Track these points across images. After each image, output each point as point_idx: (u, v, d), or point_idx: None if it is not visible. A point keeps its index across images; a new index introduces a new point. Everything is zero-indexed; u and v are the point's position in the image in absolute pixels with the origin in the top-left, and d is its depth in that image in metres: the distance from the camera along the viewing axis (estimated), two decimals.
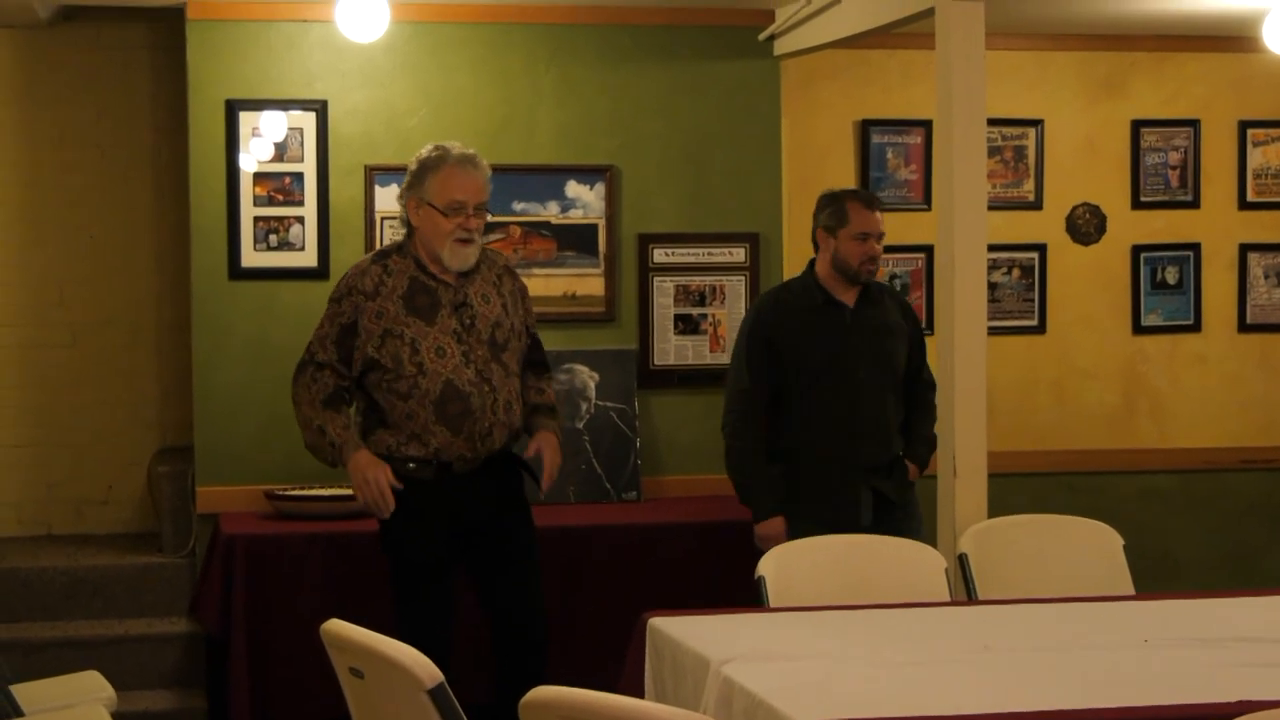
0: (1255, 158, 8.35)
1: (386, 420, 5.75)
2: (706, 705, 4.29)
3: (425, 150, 5.82)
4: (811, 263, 6.53)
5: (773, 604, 5.22)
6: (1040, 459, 8.17)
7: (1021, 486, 7.85)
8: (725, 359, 7.51)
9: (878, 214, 6.46)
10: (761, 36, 7.56)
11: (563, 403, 7.25)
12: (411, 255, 5.79)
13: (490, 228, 7.26)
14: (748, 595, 5.35)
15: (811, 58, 7.74)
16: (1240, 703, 3.77)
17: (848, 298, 6.47)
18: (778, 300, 6.50)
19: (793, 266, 7.73)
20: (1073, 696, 4.04)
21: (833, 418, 6.39)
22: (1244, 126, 8.32)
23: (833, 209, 6.44)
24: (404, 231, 5.87)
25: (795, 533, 6.08)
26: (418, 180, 5.78)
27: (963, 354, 6.09)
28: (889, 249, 7.88)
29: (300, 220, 7.32)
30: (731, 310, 7.52)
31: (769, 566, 5.33)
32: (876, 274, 6.53)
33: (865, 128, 7.98)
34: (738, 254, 7.53)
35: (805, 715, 3.81)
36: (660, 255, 7.50)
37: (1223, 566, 8.10)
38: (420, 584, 5.77)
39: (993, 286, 8.07)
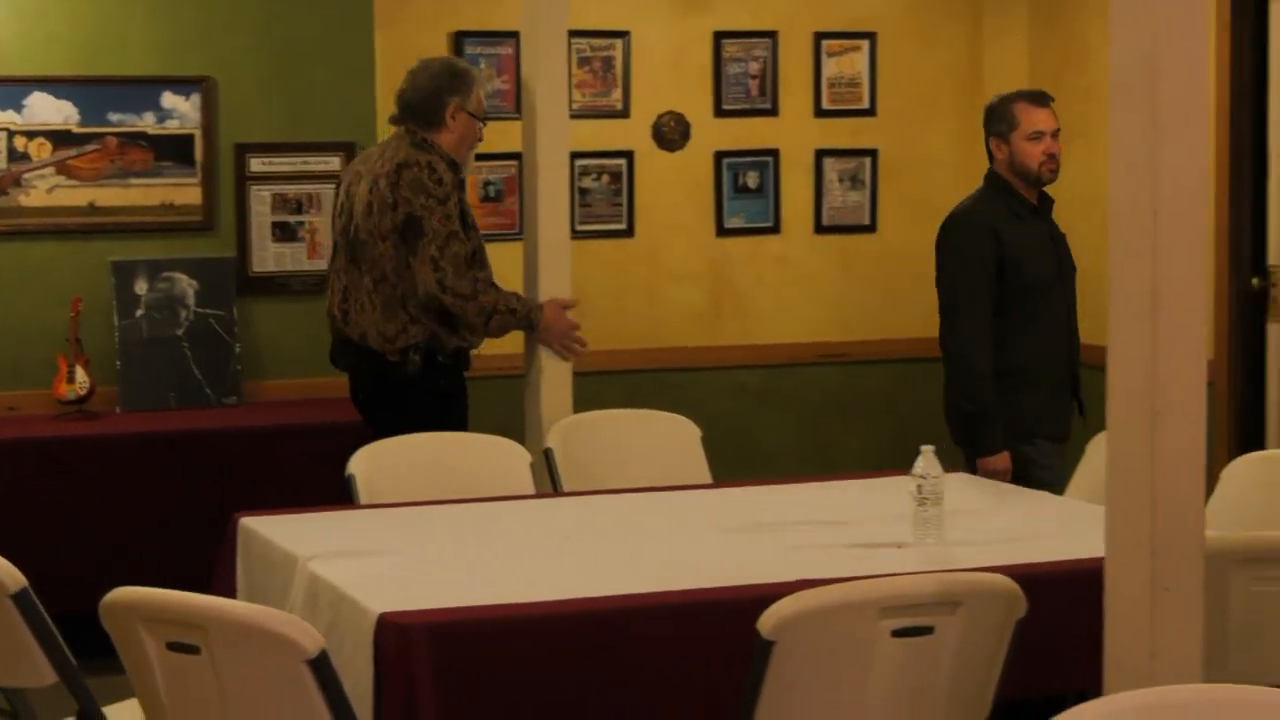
0: (830, 68, 8.50)
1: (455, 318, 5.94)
2: (294, 601, 4.28)
3: (450, 59, 6.29)
4: (988, 177, 6.17)
5: (363, 502, 5.21)
6: (632, 357, 8.25)
7: (614, 383, 7.93)
8: (323, 265, 7.44)
9: (1050, 110, 6.09)
10: None
11: (162, 310, 7.14)
12: (444, 155, 5.99)
13: (85, 139, 7.13)
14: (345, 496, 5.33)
15: None
16: (800, 581, 3.87)
17: (1036, 203, 6.14)
18: (988, 214, 6.07)
19: None
20: (646, 581, 4.12)
21: (1055, 333, 6.08)
22: (819, 38, 8.46)
23: (1000, 113, 6.11)
24: (409, 135, 6.05)
25: (1024, 456, 5.96)
26: (462, 86, 6.04)
27: (547, 257, 6.13)
28: (482, 156, 7.90)
29: None
30: (328, 218, 7.44)
31: (359, 465, 5.32)
32: (1056, 173, 6.11)
33: (459, 39, 7.94)
34: (334, 163, 7.44)
35: (386, 606, 3.83)
36: (257, 165, 7.38)
37: (803, 456, 8.29)
38: None
39: (583, 192, 8.11)
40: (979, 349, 5.95)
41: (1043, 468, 5.97)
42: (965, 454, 6.03)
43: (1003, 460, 5.89)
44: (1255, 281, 7.08)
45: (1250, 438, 7.21)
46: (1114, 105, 3.33)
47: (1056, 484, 5.85)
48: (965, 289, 6.00)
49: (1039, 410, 6.04)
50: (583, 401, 6.28)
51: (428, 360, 5.99)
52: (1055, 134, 6.05)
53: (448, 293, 5.85)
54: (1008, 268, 5.98)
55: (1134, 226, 3.27)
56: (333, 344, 6.27)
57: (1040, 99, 6.11)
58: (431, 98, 6.06)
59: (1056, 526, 4.79)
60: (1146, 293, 3.25)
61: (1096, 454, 5.15)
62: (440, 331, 5.97)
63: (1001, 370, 5.96)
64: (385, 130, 7.61)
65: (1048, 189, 6.17)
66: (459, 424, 6.00)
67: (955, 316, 6.03)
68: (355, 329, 6.06)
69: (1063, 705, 2.77)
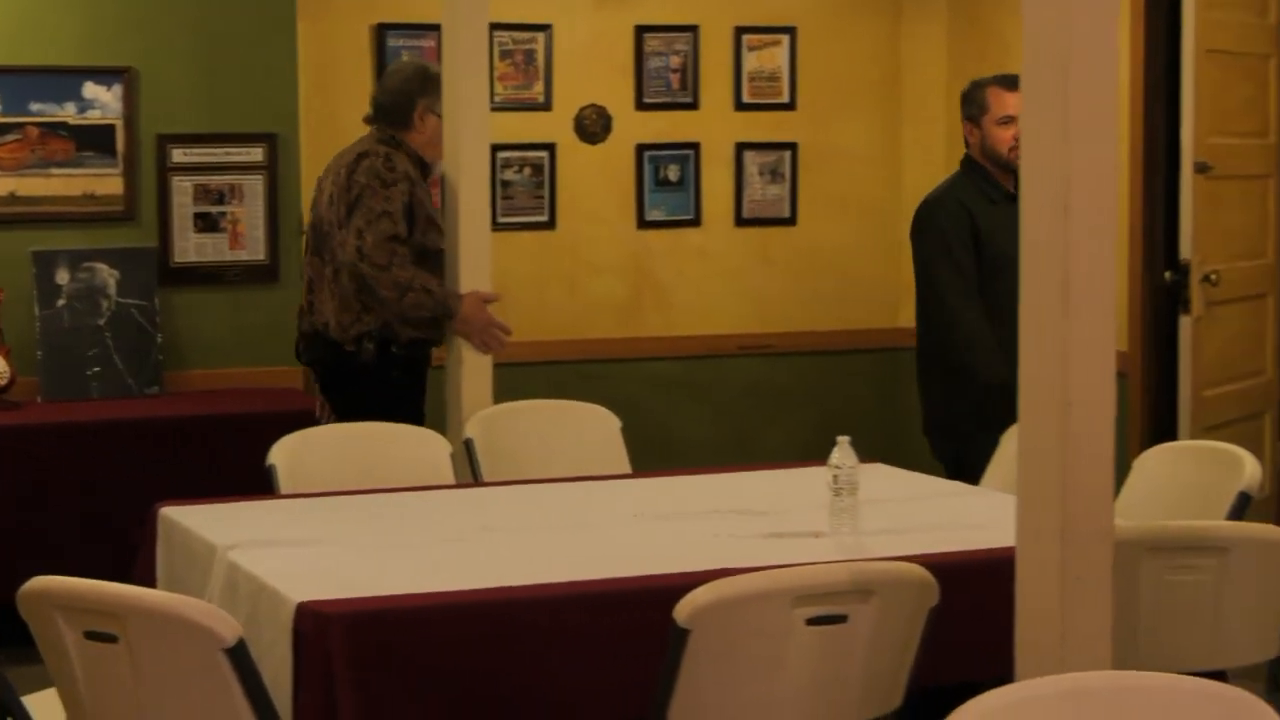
0: (750, 61, 8.52)
1: None
2: (213, 591, 4.26)
3: (420, 62, 6.47)
4: (964, 162, 6.21)
5: (283, 491, 5.19)
6: (554, 348, 8.25)
7: (535, 374, 7.93)
8: (245, 256, 7.42)
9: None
10: None
11: (83, 300, 7.09)
12: (411, 152, 6.18)
13: (5, 129, 7.08)
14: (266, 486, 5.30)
15: None
16: (716, 570, 3.88)
17: (1012, 189, 6.01)
18: (961, 198, 6.12)
19: (309, 166, 7.66)
20: (564, 570, 4.11)
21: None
22: (740, 32, 8.48)
23: (972, 97, 6.13)
24: (379, 132, 6.21)
25: (981, 449, 5.66)
26: (432, 89, 6.17)
27: (468, 249, 6.11)
28: None
29: None
30: (250, 209, 7.41)
31: (280, 455, 5.30)
32: None
33: (381, 31, 7.92)
34: (255, 154, 7.41)
35: (304, 595, 3.81)
36: (179, 155, 7.34)
37: (723, 446, 8.31)
38: None
39: (505, 184, 8.10)
40: (974, 318, 5.97)
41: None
42: (937, 451, 6.05)
43: None
44: (1168, 276, 7.13)
45: (1162, 429, 7.27)
46: (1026, 101, 3.35)
47: None
48: (952, 270, 6.01)
49: (1010, 400, 6.01)
50: (503, 392, 6.27)
51: (382, 350, 6.07)
52: None
53: (365, 261, 5.94)
54: (980, 251, 6.00)
55: (1045, 220, 3.29)
56: (296, 339, 6.36)
57: (1012, 83, 6.05)
58: (401, 100, 6.23)
59: (970, 516, 4.81)
60: (1057, 285, 3.27)
61: (1011, 445, 5.18)
62: (394, 320, 6.02)
63: None
64: (307, 121, 7.62)
65: None
66: (413, 416, 6.05)
67: (946, 299, 6.01)
68: (320, 318, 6.19)
69: (976, 692, 2.78)
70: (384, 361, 6.11)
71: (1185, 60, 6.71)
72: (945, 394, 6.23)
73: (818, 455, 4.86)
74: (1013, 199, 5.95)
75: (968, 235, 6.01)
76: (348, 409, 6.06)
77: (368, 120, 6.35)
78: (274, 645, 3.81)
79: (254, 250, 7.45)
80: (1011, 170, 5.98)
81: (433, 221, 6.13)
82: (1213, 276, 6.77)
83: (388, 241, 5.96)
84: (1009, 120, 6.02)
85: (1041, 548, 3.37)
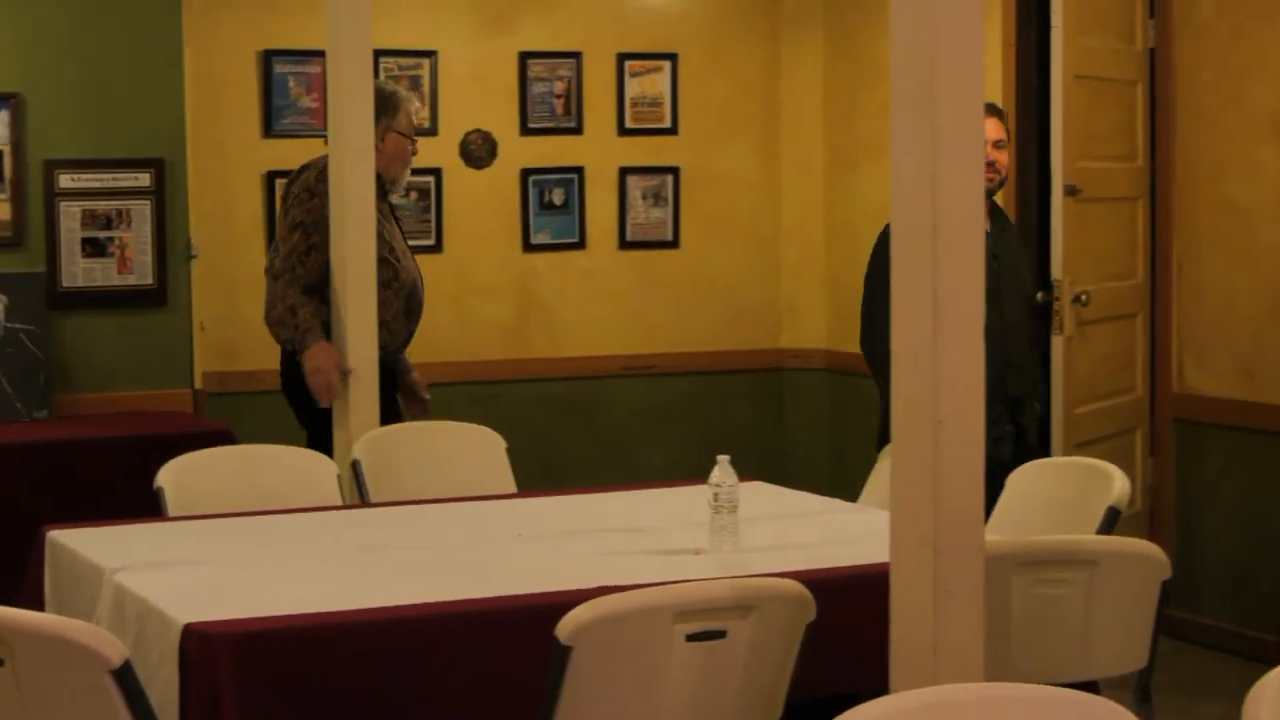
0: (633, 87, 8.55)
1: None
2: (101, 613, 4.23)
3: (389, 85, 6.50)
4: None
5: (171, 513, 5.16)
6: (441, 370, 8.22)
7: None
8: (134, 280, 7.37)
9: (993, 120, 5.99)
10: None
11: None
12: None
13: None
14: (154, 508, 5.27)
15: None
16: (599, 587, 3.89)
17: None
18: None
19: (197, 191, 7.63)
20: (449, 589, 4.11)
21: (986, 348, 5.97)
22: (622, 59, 8.51)
23: None
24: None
25: None
26: (389, 109, 6.27)
27: (354, 272, 6.09)
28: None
29: None
30: (138, 233, 7.36)
31: (168, 477, 5.27)
32: (998, 186, 6.02)
33: (267, 57, 7.89)
34: (143, 179, 7.37)
35: (191, 617, 3.79)
36: (66, 180, 7.28)
37: (607, 466, 8.32)
38: None
39: (393, 208, 8.07)
40: None
41: None
42: None
43: None
44: (1040, 296, 7.20)
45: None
46: (895, 126, 3.39)
47: None
48: (883, 299, 5.91)
49: None
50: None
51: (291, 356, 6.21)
52: (998, 144, 5.99)
53: (269, 271, 6.22)
54: None
55: (915, 242, 3.33)
56: None
57: (986, 110, 6.05)
58: None
59: (846, 532, 4.84)
60: (927, 306, 3.31)
61: (886, 463, 5.21)
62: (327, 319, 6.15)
63: None
64: (194, 146, 7.59)
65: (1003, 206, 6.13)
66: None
67: (873, 328, 5.93)
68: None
69: (853, 704, 2.81)
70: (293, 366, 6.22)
71: (1055, 86, 6.78)
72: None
73: (700, 474, 4.88)
74: None
75: None
76: (295, 412, 6.34)
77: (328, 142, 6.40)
78: (161, 666, 3.79)
79: (142, 274, 7.40)
80: None
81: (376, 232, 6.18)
82: (1083, 297, 6.85)
83: (293, 253, 6.12)
84: None
85: (914, 563, 3.40)
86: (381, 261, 6.18)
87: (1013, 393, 5.93)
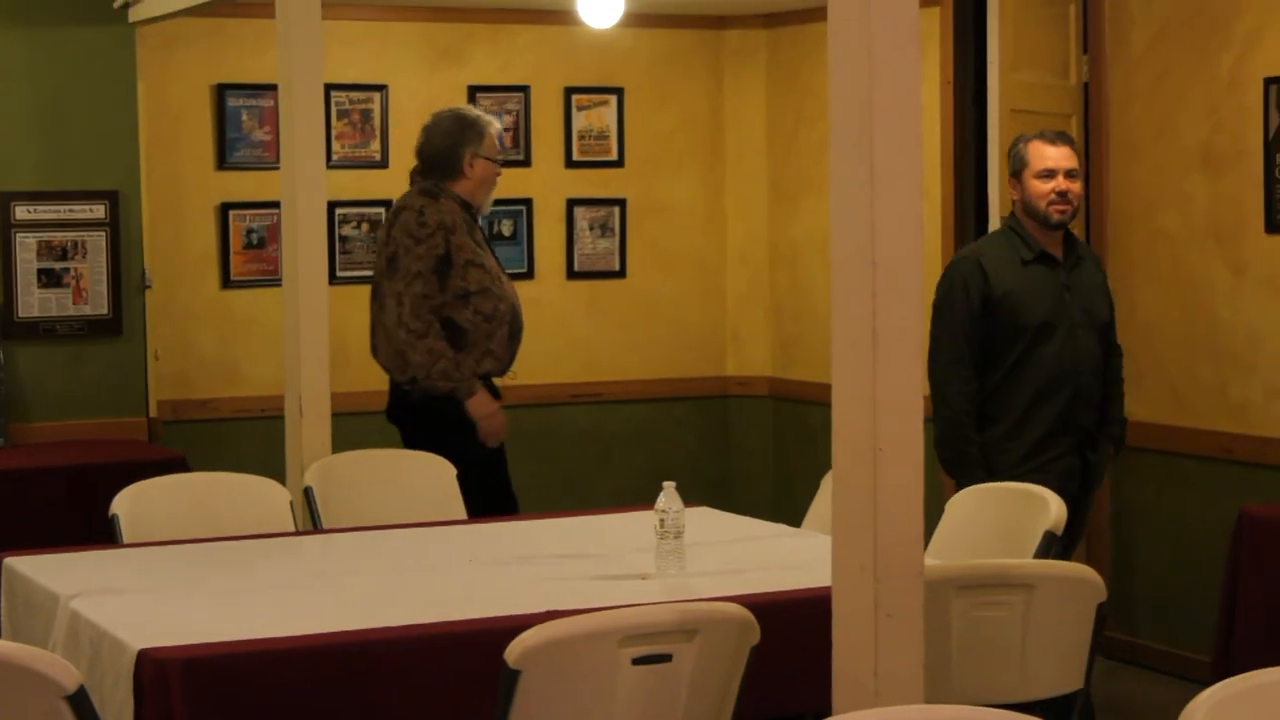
0: (579, 121, 8.56)
1: (463, 342, 6.18)
2: (56, 640, 4.21)
3: (462, 110, 6.44)
4: (1005, 219, 5.84)
5: (126, 540, 5.13)
6: None
7: (373, 424, 7.85)
8: (89, 310, 7.35)
9: (1065, 148, 5.68)
10: (116, 4, 7.37)
11: None
12: (455, 198, 6.26)
13: None
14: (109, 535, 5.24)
15: (169, 25, 7.60)
16: (547, 612, 3.89)
17: (1055, 250, 5.71)
18: (984, 255, 5.69)
19: (153, 223, 7.61)
20: (400, 614, 4.10)
21: (1051, 383, 5.64)
22: (569, 92, 8.52)
23: (1014, 153, 5.75)
24: (419, 184, 6.33)
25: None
26: (475, 136, 6.29)
27: (306, 302, 6.07)
28: (245, 205, 7.84)
29: None
30: (94, 264, 7.34)
31: (123, 505, 5.24)
32: (1070, 216, 5.70)
33: (221, 90, 7.88)
34: (98, 210, 7.34)
35: (145, 642, 3.77)
36: (22, 212, 7.25)
37: (555, 492, 8.30)
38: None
39: (344, 239, 8.08)
40: (954, 390, 5.63)
41: None
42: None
43: None
44: None
45: None
46: (834, 161, 3.39)
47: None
48: (945, 329, 5.66)
49: (1017, 467, 5.60)
50: (342, 441, 6.25)
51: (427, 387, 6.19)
52: (1071, 174, 5.69)
53: (402, 327, 6.13)
54: (995, 311, 5.63)
55: (854, 274, 3.34)
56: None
57: (1054, 138, 5.77)
58: (448, 151, 6.33)
59: (790, 557, 4.85)
60: (867, 337, 3.32)
61: (828, 489, 5.22)
62: (420, 380, 6.16)
63: (984, 417, 5.65)
64: (149, 178, 7.58)
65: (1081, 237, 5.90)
66: (465, 448, 6.14)
67: (934, 356, 5.65)
68: (382, 359, 6.36)
69: None
70: (433, 399, 6.20)
71: (991, 119, 6.82)
72: None
73: (646, 500, 4.88)
74: (1046, 258, 5.72)
75: (974, 295, 5.63)
76: (409, 442, 6.29)
77: (413, 174, 6.43)
78: (115, 691, 3.78)
79: (97, 305, 7.37)
80: (1050, 225, 5.68)
81: (473, 262, 6.20)
82: None
83: (423, 301, 6.12)
84: (1049, 174, 5.66)
85: (856, 586, 3.41)
86: (484, 292, 6.20)
87: (1082, 426, 5.67)
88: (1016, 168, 5.74)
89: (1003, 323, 5.63)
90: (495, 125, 6.46)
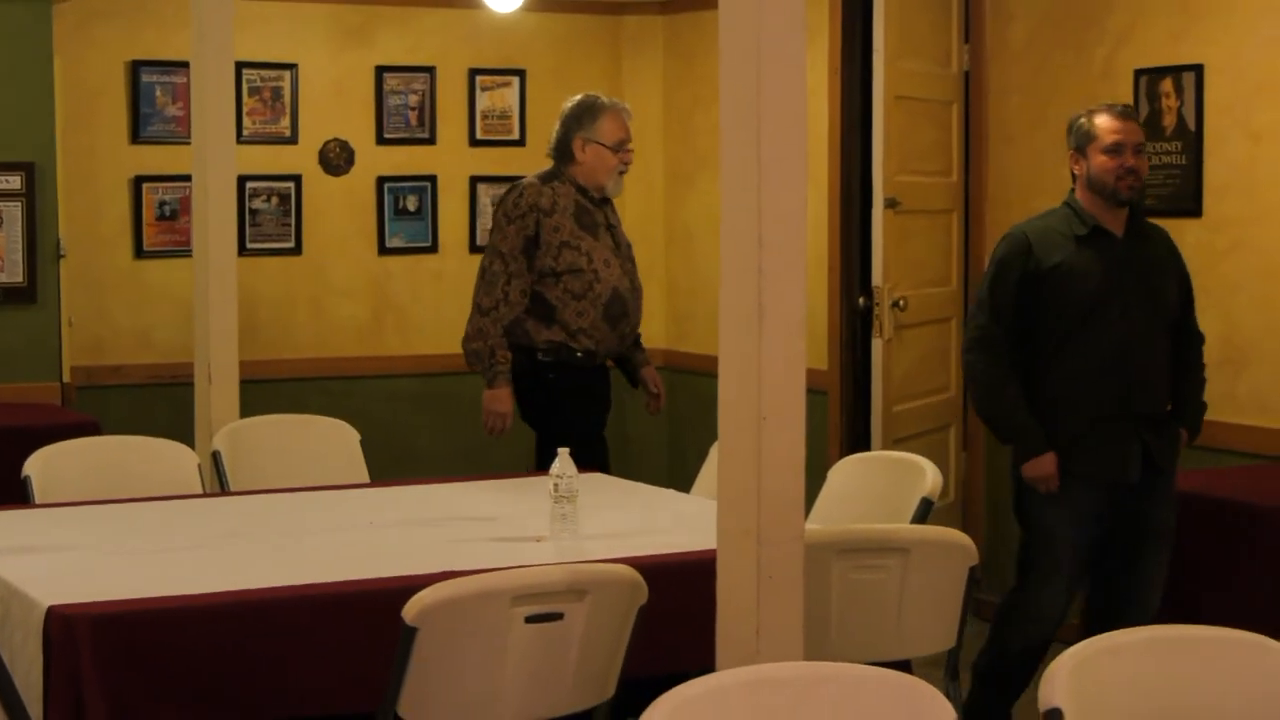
0: (483, 101, 8.54)
1: (552, 317, 6.09)
2: None
3: (582, 96, 6.24)
4: (1070, 194, 5.35)
5: (38, 501, 5.09)
6: (299, 366, 8.20)
7: (281, 390, 7.87)
8: (5, 279, 7.27)
9: (1132, 123, 5.27)
10: None
11: None
12: (571, 181, 6.16)
13: None
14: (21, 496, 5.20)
15: (86, 2, 7.54)
16: (444, 572, 3.89)
17: (1115, 226, 5.27)
18: (1033, 230, 5.29)
19: (68, 194, 7.54)
20: (303, 574, 4.09)
21: (1103, 361, 5.21)
22: (474, 74, 8.50)
23: (1078, 127, 5.30)
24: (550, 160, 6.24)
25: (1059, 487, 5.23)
26: (587, 121, 6.16)
27: (216, 272, 6.05)
28: (158, 178, 7.78)
29: None
30: (9, 234, 7.26)
31: (35, 466, 5.20)
32: (1140, 193, 5.34)
33: (135, 67, 7.80)
34: (14, 181, 7.26)
35: (54, 599, 3.75)
36: None
37: (456, 458, 8.28)
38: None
39: (254, 213, 8.03)
40: (991, 358, 5.24)
41: (1059, 506, 5.27)
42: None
43: (1041, 466, 5.21)
44: (862, 301, 7.29)
45: (858, 440, 7.43)
46: (724, 144, 3.41)
47: (1078, 539, 5.28)
48: (987, 299, 5.32)
49: (1070, 445, 5.24)
50: (250, 407, 6.22)
51: (528, 355, 6.16)
52: (1138, 148, 5.25)
53: (474, 296, 6.18)
54: (1045, 288, 5.23)
55: (741, 250, 3.36)
56: None
57: (1122, 112, 5.35)
58: (562, 138, 6.25)
59: (678, 521, 4.87)
60: (752, 310, 3.34)
61: (715, 457, 5.24)
62: (531, 327, 6.14)
63: (1032, 396, 5.26)
64: (64, 151, 7.51)
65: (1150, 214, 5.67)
66: (570, 415, 6.18)
67: (971, 324, 5.38)
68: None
69: (683, 682, 2.83)
70: (534, 366, 6.18)
71: (876, 106, 6.85)
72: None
73: (542, 465, 4.89)
74: (1103, 235, 5.27)
75: (1017, 269, 5.24)
76: (526, 413, 6.33)
77: (549, 155, 6.33)
78: (25, 647, 3.75)
79: (12, 273, 7.29)
80: (1119, 200, 5.24)
81: (568, 244, 6.09)
82: (901, 302, 6.93)
83: (495, 285, 6.12)
84: (1118, 148, 5.21)
85: (739, 550, 3.43)
86: (576, 272, 6.08)
87: (1140, 410, 5.25)
88: (1081, 142, 5.29)
89: (1050, 299, 5.23)
90: (617, 111, 6.22)
